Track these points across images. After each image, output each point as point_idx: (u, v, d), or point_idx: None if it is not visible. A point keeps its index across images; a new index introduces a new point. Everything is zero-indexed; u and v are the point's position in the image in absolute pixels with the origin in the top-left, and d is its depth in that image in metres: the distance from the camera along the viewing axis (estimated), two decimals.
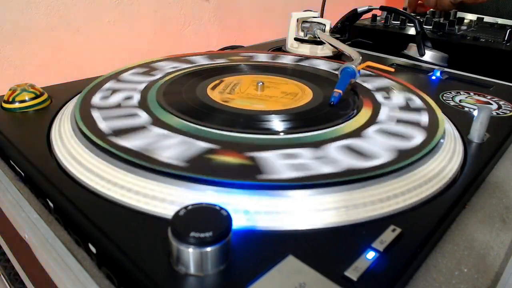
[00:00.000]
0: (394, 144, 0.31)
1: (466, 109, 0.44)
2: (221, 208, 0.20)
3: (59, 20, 0.66)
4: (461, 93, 0.49)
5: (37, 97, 0.38)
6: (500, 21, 0.98)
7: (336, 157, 0.29)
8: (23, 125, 0.35)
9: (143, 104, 0.37)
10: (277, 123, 0.35)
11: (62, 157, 0.29)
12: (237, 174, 0.26)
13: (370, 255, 0.21)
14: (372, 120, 0.36)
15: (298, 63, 0.54)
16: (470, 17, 1.00)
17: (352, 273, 0.20)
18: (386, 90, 0.44)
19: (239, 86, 0.43)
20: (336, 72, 0.46)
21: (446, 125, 0.37)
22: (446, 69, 0.58)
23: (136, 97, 0.39)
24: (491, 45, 0.74)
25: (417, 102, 0.41)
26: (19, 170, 0.30)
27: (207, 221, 0.19)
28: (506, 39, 0.76)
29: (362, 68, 0.46)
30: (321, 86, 0.44)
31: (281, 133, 0.33)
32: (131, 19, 0.75)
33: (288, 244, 0.22)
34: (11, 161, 0.31)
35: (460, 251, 0.24)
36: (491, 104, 0.46)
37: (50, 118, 0.36)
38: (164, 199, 0.24)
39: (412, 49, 0.70)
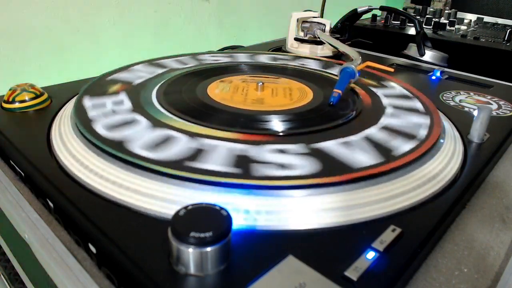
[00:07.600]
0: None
1: (466, 109, 0.44)
2: (221, 208, 0.20)
3: (59, 20, 0.66)
4: (461, 93, 0.49)
5: (37, 97, 0.38)
6: (500, 21, 0.98)
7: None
8: (23, 125, 0.35)
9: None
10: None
11: (62, 157, 0.29)
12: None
13: (370, 255, 0.21)
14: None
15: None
16: (470, 17, 1.00)
17: (352, 273, 0.20)
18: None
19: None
20: (335, 72, 0.46)
21: (446, 125, 0.37)
22: (446, 69, 0.58)
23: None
24: (491, 45, 0.74)
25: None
26: (19, 170, 0.30)
27: (207, 221, 0.19)
28: (506, 39, 0.76)
29: (362, 68, 0.46)
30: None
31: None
32: (131, 19, 0.75)
33: (288, 244, 0.22)
34: (11, 161, 0.31)
35: (460, 251, 0.24)
36: (491, 104, 0.46)
37: (50, 118, 0.36)
38: (164, 199, 0.24)
39: (412, 49, 0.70)
